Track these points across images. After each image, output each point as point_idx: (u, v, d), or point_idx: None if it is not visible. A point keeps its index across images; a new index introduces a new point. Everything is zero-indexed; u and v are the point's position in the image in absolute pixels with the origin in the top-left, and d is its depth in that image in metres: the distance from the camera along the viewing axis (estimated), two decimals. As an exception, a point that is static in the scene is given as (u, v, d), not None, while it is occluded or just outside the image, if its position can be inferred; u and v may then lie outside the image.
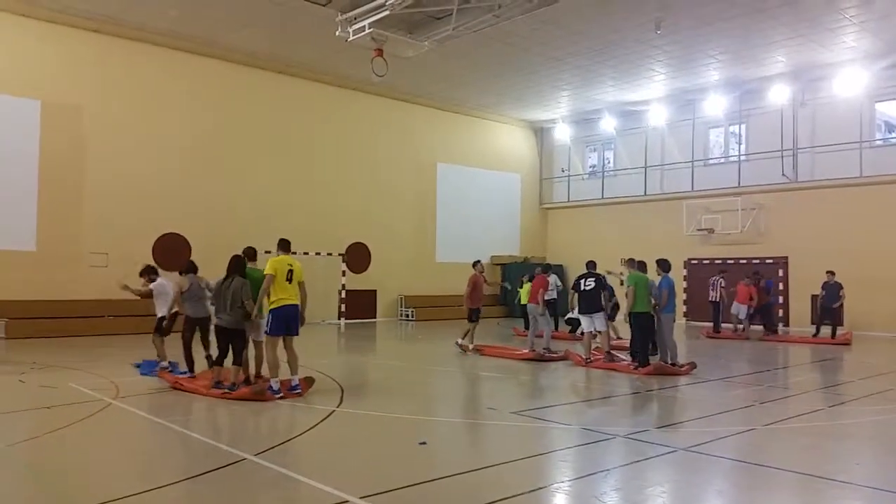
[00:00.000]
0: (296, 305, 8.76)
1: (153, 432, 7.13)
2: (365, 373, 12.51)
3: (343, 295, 21.48)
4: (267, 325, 8.66)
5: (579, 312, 12.77)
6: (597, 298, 12.22)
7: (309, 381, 9.02)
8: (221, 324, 8.68)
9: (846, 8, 15.88)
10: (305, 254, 20.31)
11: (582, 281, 12.42)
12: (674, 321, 11.92)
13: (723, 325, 18.59)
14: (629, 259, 12.20)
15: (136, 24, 17.61)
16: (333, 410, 7.88)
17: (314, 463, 5.84)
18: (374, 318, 23.12)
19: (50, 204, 16.79)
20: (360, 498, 4.71)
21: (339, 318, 21.40)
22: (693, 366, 11.48)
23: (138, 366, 10.73)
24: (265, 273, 8.64)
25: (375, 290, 23.09)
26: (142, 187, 18.14)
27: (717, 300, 18.56)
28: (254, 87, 20.43)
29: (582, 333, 13.05)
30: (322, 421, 7.37)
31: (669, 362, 11.43)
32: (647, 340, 11.43)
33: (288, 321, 8.68)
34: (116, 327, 16.44)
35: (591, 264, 12.90)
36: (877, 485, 5.43)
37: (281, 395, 8.37)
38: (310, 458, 6.03)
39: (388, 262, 23.00)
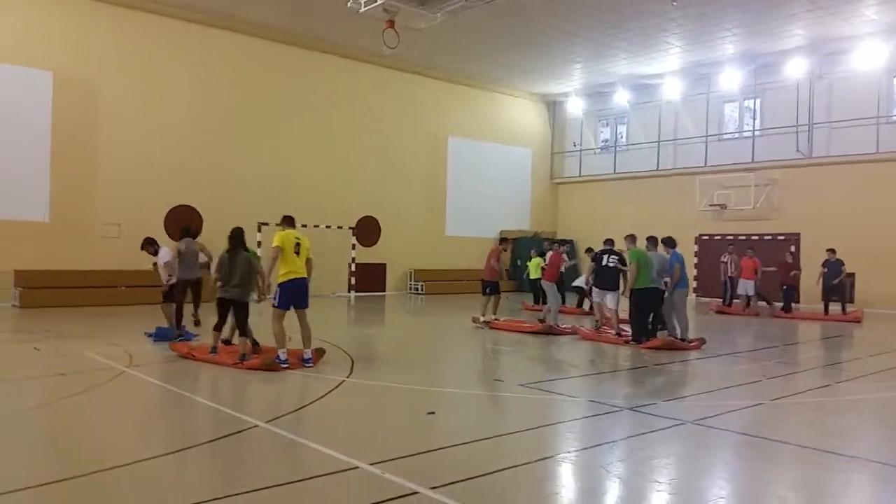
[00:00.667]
0: (304, 279, 8.77)
1: (166, 400, 7.24)
2: (374, 344, 12.61)
3: (353, 268, 21.55)
4: (275, 299, 8.66)
5: (596, 286, 12.90)
6: (615, 277, 12.32)
7: (320, 352, 9.10)
8: (227, 296, 8.79)
9: (866, -20, 15.58)
10: (316, 227, 20.35)
11: (605, 256, 12.52)
12: (686, 296, 11.94)
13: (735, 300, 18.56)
14: (629, 235, 12.20)
15: (150, -5, 17.55)
16: (343, 380, 7.97)
17: (325, 430, 5.92)
18: (384, 291, 23.22)
19: (63, 175, 16.87)
20: (370, 464, 4.79)
21: (349, 291, 21.50)
22: (702, 341, 11.49)
23: (151, 335, 10.86)
24: (273, 245, 8.64)
25: (385, 264, 23.16)
26: (154, 160, 18.18)
27: (731, 276, 18.58)
28: (266, 61, 20.33)
29: (590, 307, 13.11)
30: (332, 390, 7.45)
31: (680, 337, 11.45)
32: (645, 317, 11.44)
33: (296, 294, 8.67)
34: (129, 298, 16.58)
35: (609, 241, 13.02)
36: (883, 459, 5.45)
37: (288, 364, 8.43)
38: (320, 426, 6.11)
39: (398, 235, 23.03)
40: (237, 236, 8.95)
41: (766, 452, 5.59)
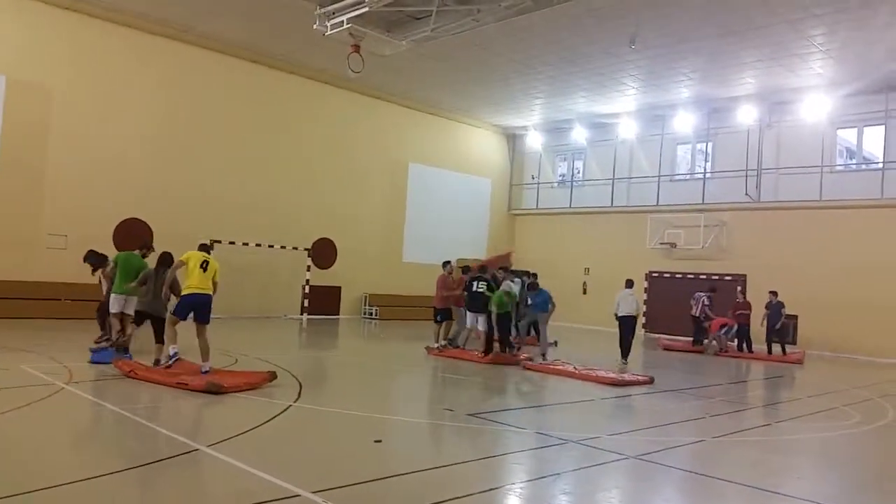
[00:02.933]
0: (206, 295, 9.32)
1: (105, 419, 7.03)
2: (325, 369, 12.47)
3: (307, 290, 21.35)
4: (174, 307, 9.50)
5: (468, 310, 13.84)
6: (484, 301, 13.29)
7: (271, 376, 9.00)
8: (146, 309, 9.79)
9: (815, 35, 16.32)
10: (270, 246, 20.19)
11: (474, 283, 13.56)
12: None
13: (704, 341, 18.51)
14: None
15: (109, 5, 17.27)
16: (290, 405, 7.86)
17: (268, 456, 5.82)
18: (338, 314, 23.02)
19: (9, 182, 16.36)
20: (313, 492, 4.72)
21: (301, 314, 21.27)
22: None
23: (94, 351, 10.53)
24: (179, 259, 9.45)
25: (340, 287, 23.01)
26: (105, 171, 17.80)
27: (698, 315, 18.43)
28: (227, 77, 20.20)
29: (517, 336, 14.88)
30: (278, 415, 7.34)
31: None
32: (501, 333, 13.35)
33: (194, 308, 9.24)
34: (73, 311, 16.10)
35: (482, 269, 14.39)
36: (817, 498, 5.60)
37: (177, 358, 9.21)
38: (264, 451, 6.01)
39: (355, 259, 22.93)
40: (166, 260, 9.90)
41: (707, 489, 5.70)
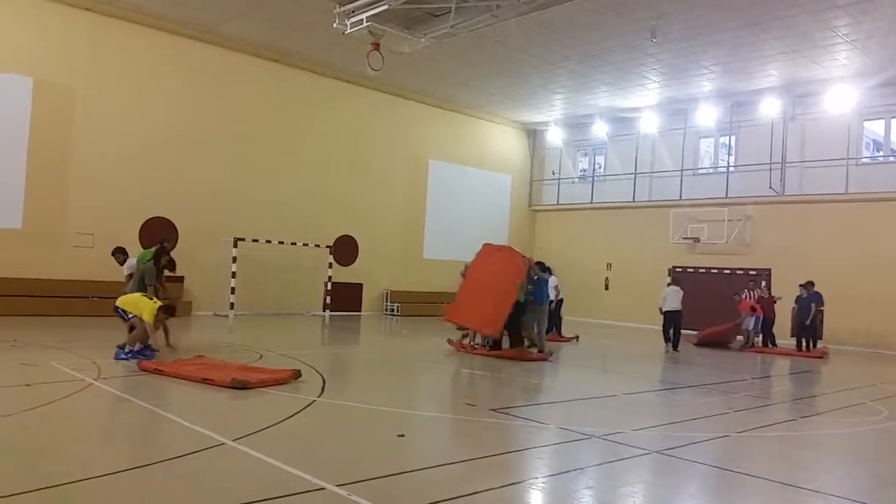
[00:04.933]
0: None
1: (133, 414, 7.15)
2: (347, 365, 12.56)
3: (329, 287, 21.50)
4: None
5: None
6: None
7: (296, 373, 9.08)
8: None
9: (839, 26, 16.08)
10: (293, 244, 20.34)
11: None
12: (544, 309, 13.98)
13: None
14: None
15: (130, 5, 17.51)
16: (314, 400, 7.93)
17: (292, 450, 5.89)
18: (360, 311, 23.16)
19: (38, 182, 16.70)
20: (337, 485, 4.78)
21: (323, 310, 21.42)
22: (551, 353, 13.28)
23: (122, 348, 10.69)
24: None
25: (361, 284, 23.14)
26: (130, 170, 18.07)
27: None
28: (248, 76, 20.38)
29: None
30: (302, 410, 7.42)
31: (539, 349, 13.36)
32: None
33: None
34: (101, 309, 16.32)
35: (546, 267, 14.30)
36: (844, 494, 5.55)
37: (141, 355, 9.86)
38: (289, 446, 6.08)
39: (376, 256, 23.05)
40: (157, 257, 11.04)
41: (731, 484, 5.67)
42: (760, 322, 17.75)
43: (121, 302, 10.31)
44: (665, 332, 16.25)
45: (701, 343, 18.06)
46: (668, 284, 16.80)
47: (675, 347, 16.00)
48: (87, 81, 17.50)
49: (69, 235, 17.16)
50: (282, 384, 8.67)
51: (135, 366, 9.46)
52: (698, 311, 19.45)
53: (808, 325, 17.18)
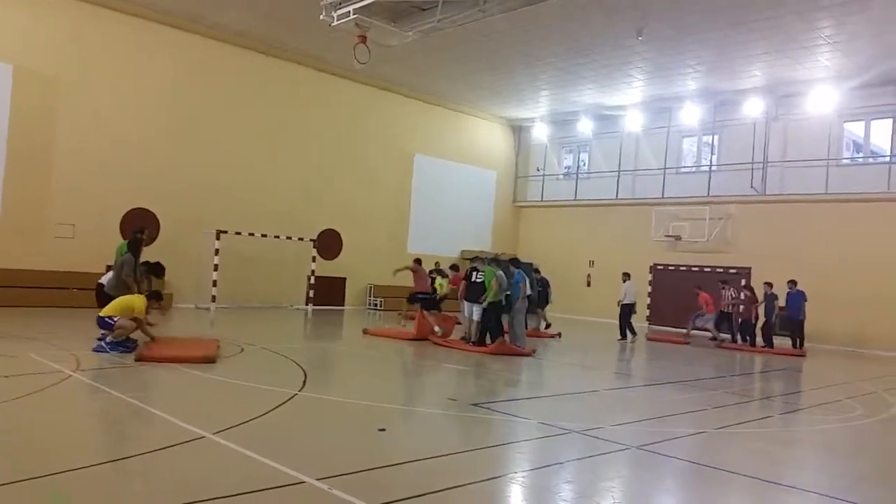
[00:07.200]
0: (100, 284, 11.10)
1: (112, 406, 7.10)
2: (329, 358, 12.55)
3: (312, 281, 21.43)
4: None
5: (466, 300, 13.99)
6: (481, 291, 13.45)
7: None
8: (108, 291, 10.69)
9: (822, 27, 16.25)
10: (276, 237, 20.24)
11: (473, 273, 13.76)
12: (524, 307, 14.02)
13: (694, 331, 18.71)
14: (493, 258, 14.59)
15: (116, -6, 17.33)
16: (295, 394, 7.93)
17: (273, 443, 5.89)
18: (343, 305, 23.10)
19: (18, 172, 16.46)
20: (317, 479, 4.79)
21: (306, 304, 21.34)
22: (533, 351, 13.37)
23: (101, 339, 10.61)
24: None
25: (345, 278, 23.08)
26: (113, 161, 17.87)
27: (729, 311, 18.28)
28: (234, 67, 20.22)
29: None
30: (283, 403, 7.41)
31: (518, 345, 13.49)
32: (489, 325, 13.37)
33: None
34: (81, 300, 16.17)
35: (477, 260, 14.34)
36: (820, 490, 5.65)
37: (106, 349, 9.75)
38: (269, 439, 6.08)
39: (360, 250, 23.00)
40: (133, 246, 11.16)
41: (708, 479, 5.74)
42: (714, 318, 18.22)
43: (106, 311, 9.95)
44: (626, 322, 17.81)
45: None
46: (625, 280, 18.14)
47: (632, 332, 17.90)
48: (70, 70, 17.26)
49: (50, 226, 16.95)
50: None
51: (115, 357, 9.40)
52: (682, 307, 19.79)
53: (798, 323, 17.47)
